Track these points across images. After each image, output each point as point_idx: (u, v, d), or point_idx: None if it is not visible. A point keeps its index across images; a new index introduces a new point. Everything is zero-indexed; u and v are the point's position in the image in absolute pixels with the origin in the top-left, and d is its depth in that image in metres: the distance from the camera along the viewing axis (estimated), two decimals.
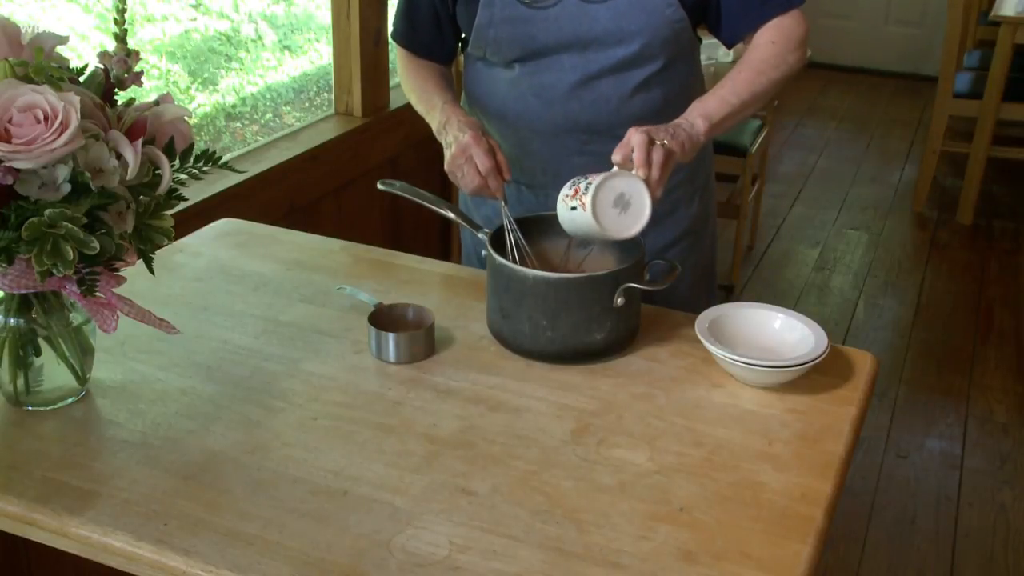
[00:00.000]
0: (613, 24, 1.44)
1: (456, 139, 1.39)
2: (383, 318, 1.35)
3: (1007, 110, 4.05)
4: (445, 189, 3.23)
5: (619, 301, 1.28)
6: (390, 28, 1.65)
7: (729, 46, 1.53)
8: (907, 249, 4.04)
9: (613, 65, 1.47)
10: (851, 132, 5.33)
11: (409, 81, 1.60)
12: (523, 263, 1.36)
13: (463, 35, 1.60)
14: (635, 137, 1.27)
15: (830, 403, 1.24)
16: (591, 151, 1.52)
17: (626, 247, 1.38)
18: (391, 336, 1.30)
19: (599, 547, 1.00)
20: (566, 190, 1.29)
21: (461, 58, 1.67)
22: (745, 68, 1.44)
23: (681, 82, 1.54)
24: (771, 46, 1.45)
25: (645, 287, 1.31)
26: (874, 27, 6.21)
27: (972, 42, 4.87)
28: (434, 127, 1.49)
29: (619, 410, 1.22)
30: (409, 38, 1.61)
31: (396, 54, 1.66)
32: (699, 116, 1.37)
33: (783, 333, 1.33)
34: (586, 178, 1.27)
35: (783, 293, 3.62)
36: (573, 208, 1.27)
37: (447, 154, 1.41)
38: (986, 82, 4.01)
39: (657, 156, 1.27)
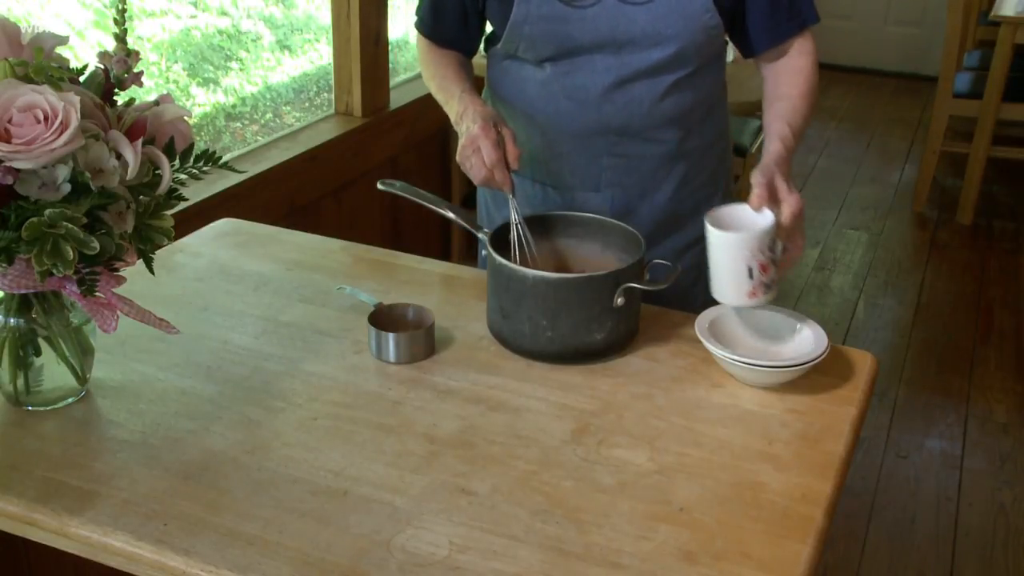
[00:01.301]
0: (650, 27, 1.42)
1: (468, 130, 1.38)
2: (383, 318, 1.35)
3: (1007, 110, 4.05)
4: (445, 189, 3.23)
5: (619, 301, 1.28)
6: (413, 17, 1.62)
7: (746, 56, 1.53)
8: (907, 249, 4.04)
9: (647, 68, 1.45)
10: (851, 132, 5.33)
11: (429, 69, 1.58)
12: (524, 260, 1.36)
13: (487, 31, 1.58)
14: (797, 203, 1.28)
15: (830, 403, 1.24)
16: (620, 153, 1.51)
17: (626, 247, 1.38)
18: (391, 336, 1.30)
19: (599, 547, 1.00)
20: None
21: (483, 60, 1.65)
22: (797, 98, 1.46)
23: (710, 85, 1.54)
24: (808, 75, 1.48)
25: (645, 287, 1.31)
26: (874, 27, 6.21)
27: (972, 42, 4.87)
28: (452, 118, 1.47)
29: (619, 410, 1.22)
30: (433, 29, 1.58)
31: (417, 42, 1.63)
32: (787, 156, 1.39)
33: (783, 333, 1.33)
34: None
35: (783, 293, 3.61)
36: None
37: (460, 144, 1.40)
38: (986, 82, 4.00)
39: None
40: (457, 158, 1.39)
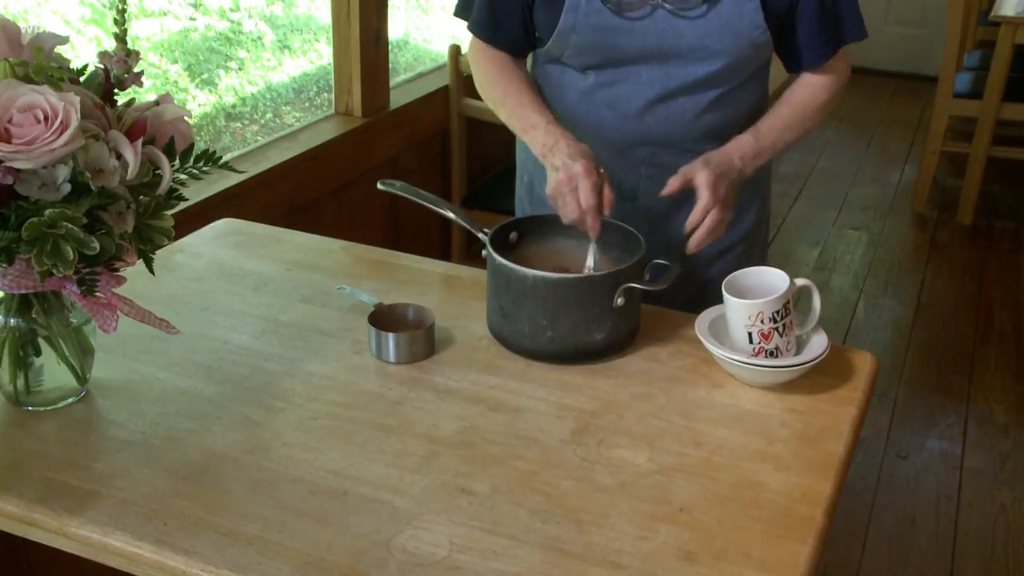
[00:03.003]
0: (698, 42, 1.41)
1: (565, 166, 1.33)
2: (383, 318, 1.35)
3: (1007, 110, 4.05)
4: (445, 189, 3.23)
5: (619, 301, 1.28)
6: (463, 17, 1.56)
7: (789, 71, 1.53)
8: (907, 249, 4.04)
9: (692, 82, 1.45)
10: (851, 132, 5.33)
11: (497, 89, 1.52)
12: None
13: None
14: (706, 197, 1.34)
15: (830, 403, 1.24)
16: (658, 163, 1.51)
17: (626, 247, 1.38)
18: (391, 336, 1.30)
19: (599, 547, 1.00)
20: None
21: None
22: (787, 104, 1.48)
23: (753, 97, 1.53)
24: (814, 88, 1.50)
25: (645, 287, 1.31)
26: (874, 27, 6.13)
27: (972, 42, 4.87)
28: (535, 149, 1.42)
29: (619, 410, 1.22)
30: (492, 33, 1.53)
31: (471, 48, 1.57)
32: (741, 155, 1.43)
33: None
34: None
35: None
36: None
37: (552, 177, 1.36)
38: (986, 82, 4.01)
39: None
40: (549, 192, 1.36)
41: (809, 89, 1.50)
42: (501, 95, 1.51)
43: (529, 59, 1.61)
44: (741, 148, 1.42)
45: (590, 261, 1.37)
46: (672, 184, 1.36)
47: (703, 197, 1.34)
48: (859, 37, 1.49)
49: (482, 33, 1.55)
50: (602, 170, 1.34)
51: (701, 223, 1.35)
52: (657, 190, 1.52)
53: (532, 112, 1.45)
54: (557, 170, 1.35)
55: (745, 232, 1.63)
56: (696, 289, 1.57)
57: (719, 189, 1.35)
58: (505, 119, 1.51)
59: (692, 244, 1.36)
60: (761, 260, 1.70)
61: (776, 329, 1.24)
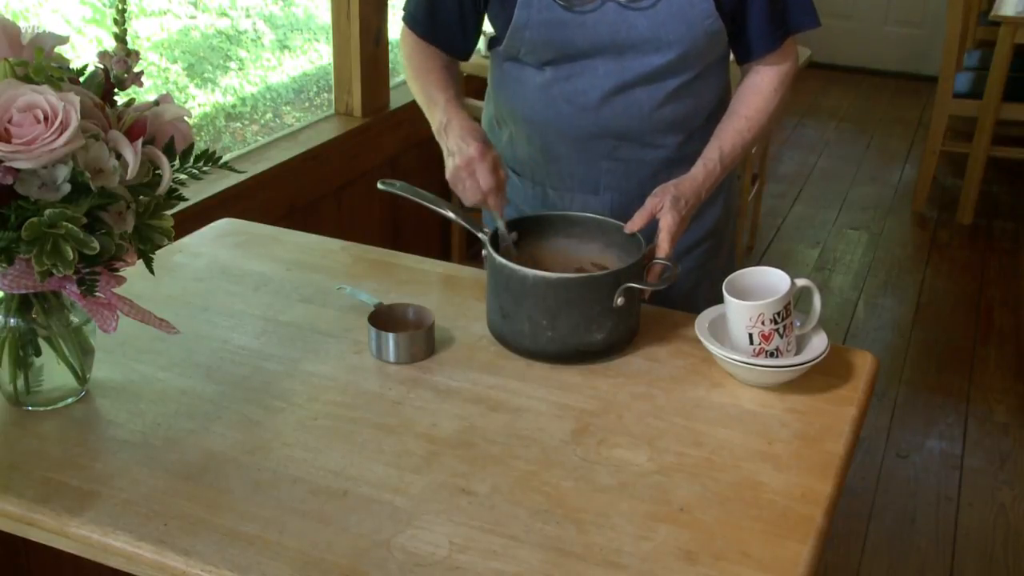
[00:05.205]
0: (651, 32, 1.42)
1: (460, 150, 1.35)
2: (383, 318, 1.35)
3: (1007, 110, 4.04)
4: (445, 189, 3.22)
5: (619, 301, 1.28)
6: (401, 13, 1.57)
7: (740, 63, 1.52)
8: (907, 249, 4.04)
9: (648, 73, 1.45)
10: (851, 132, 5.33)
11: (412, 69, 1.53)
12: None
13: (490, 33, 1.57)
14: (669, 222, 1.35)
15: (830, 403, 1.24)
16: (619, 156, 1.51)
17: (626, 247, 1.38)
18: (391, 336, 1.30)
19: (599, 547, 1.00)
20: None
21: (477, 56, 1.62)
22: (744, 118, 1.48)
23: (712, 90, 1.53)
24: (765, 95, 1.49)
25: (645, 287, 1.31)
26: (874, 27, 6.21)
27: (972, 42, 4.87)
28: (433, 126, 1.45)
29: (619, 410, 1.22)
30: (426, 27, 1.53)
31: (402, 37, 1.57)
32: (708, 187, 1.44)
33: None
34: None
35: None
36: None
37: (449, 162, 1.37)
38: (986, 82, 4.01)
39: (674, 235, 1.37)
40: (448, 177, 1.37)
41: (762, 98, 1.49)
42: (415, 73, 1.52)
43: (490, 60, 1.61)
44: (709, 178, 1.43)
45: (501, 227, 1.38)
46: (637, 221, 1.36)
47: (663, 246, 1.35)
48: (809, 26, 1.48)
49: (418, 28, 1.54)
50: (495, 152, 1.36)
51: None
52: (618, 184, 1.53)
53: (436, 90, 1.47)
54: (452, 155, 1.36)
55: (711, 228, 1.62)
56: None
57: (679, 235, 1.38)
58: (416, 95, 1.52)
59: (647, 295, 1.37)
60: (731, 255, 1.71)
61: (777, 330, 1.24)
